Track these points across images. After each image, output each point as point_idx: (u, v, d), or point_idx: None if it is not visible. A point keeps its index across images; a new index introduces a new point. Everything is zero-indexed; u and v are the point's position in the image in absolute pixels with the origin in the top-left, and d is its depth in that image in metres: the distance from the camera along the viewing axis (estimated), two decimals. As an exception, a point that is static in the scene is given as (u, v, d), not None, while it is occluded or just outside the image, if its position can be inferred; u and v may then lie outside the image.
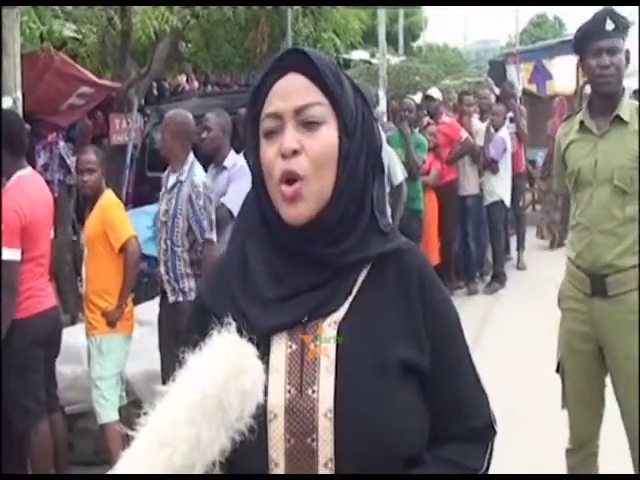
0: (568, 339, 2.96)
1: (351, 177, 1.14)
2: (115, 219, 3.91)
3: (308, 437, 1.07)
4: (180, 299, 3.94)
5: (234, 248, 1.21)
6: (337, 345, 1.11)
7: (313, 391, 1.09)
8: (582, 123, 2.91)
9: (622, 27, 2.81)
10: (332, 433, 1.06)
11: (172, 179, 4.03)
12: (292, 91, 1.13)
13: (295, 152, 1.10)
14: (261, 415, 1.05)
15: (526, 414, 4.31)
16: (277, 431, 1.08)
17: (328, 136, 1.13)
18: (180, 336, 3.81)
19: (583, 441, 2.98)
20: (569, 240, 3.02)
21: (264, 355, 1.09)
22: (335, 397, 1.07)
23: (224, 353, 1.00)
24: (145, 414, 0.99)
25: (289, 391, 1.09)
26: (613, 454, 3.05)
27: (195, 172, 3.98)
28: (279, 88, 1.14)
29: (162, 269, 3.99)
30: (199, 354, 1.01)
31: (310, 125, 1.12)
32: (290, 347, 1.12)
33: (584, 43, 2.86)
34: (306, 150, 1.11)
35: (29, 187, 3.60)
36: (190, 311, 1.30)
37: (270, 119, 1.13)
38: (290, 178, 1.11)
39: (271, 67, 1.16)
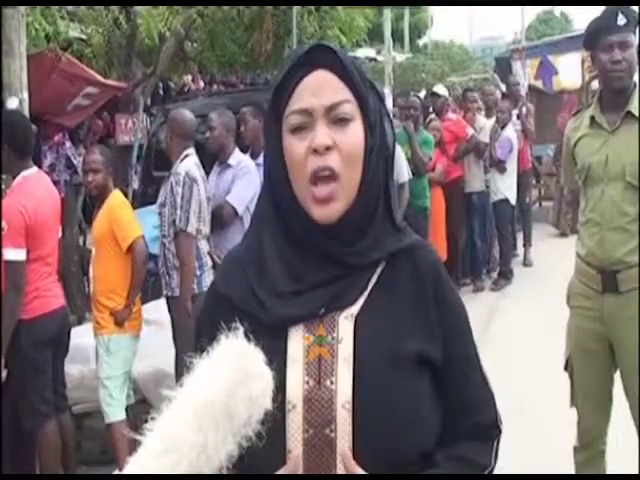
0: (577, 337, 2.94)
1: (375, 174, 1.16)
2: (122, 219, 3.92)
3: (326, 428, 1.08)
4: (169, 294, 4.02)
5: (250, 239, 1.22)
6: (354, 337, 1.12)
7: (331, 382, 1.10)
8: (593, 118, 2.88)
9: (634, 22, 2.78)
10: (350, 424, 1.08)
11: (169, 173, 4.12)
12: (324, 88, 1.13)
13: (328, 148, 1.11)
14: (280, 405, 1.06)
15: (533, 410, 4.30)
16: (295, 421, 1.09)
17: (357, 133, 1.14)
18: (175, 330, 3.93)
19: (591, 439, 2.97)
20: (579, 237, 2.98)
21: (282, 346, 1.11)
22: (353, 388, 1.09)
23: (232, 358, 1.01)
24: (152, 419, 0.99)
25: (307, 382, 1.10)
26: (621, 452, 3.05)
27: (182, 163, 4.03)
28: (310, 84, 1.14)
29: (159, 263, 4.07)
30: (207, 359, 1.02)
31: (341, 122, 1.13)
32: (307, 339, 1.13)
33: (595, 38, 2.83)
34: (338, 146, 1.12)
35: (35, 187, 3.62)
36: (205, 299, 1.31)
37: (299, 115, 1.13)
38: (324, 176, 1.11)
39: (297, 63, 1.15)
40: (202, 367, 1.01)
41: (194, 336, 1.22)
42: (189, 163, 4.06)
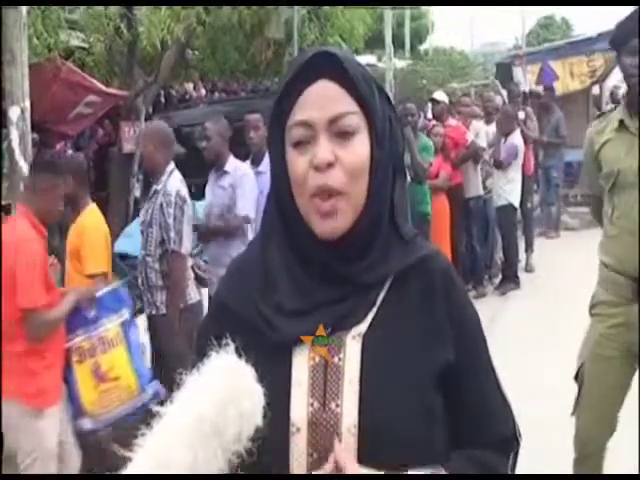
0: (597, 343, 2.84)
1: (381, 187, 1.10)
2: (91, 245, 3.62)
3: (331, 452, 1.03)
4: (153, 312, 3.96)
5: (256, 249, 1.17)
6: (361, 358, 1.08)
7: (337, 405, 1.06)
8: (622, 122, 2.77)
9: None
10: (355, 449, 1.04)
11: (152, 189, 4.05)
12: (326, 100, 1.07)
13: (330, 164, 1.05)
14: (284, 428, 1.04)
15: (536, 417, 4.28)
16: (299, 445, 1.05)
17: (361, 146, 1.08)
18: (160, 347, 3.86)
19: (591, 452, 2.89)
20: (604, 245, 2.87)
21: (286, 367, 1.07)
22: (360, 412, 1.05)
23: (222, 375, 0.99)
24: (142, 435, 0.98)
25: (312, 404, 1.06)
26: (621, 452, 3.04)
27: (170, 181, 3.96)
28: (311, 96, 1.08)
29: (139, 280, 4.01)
30: (197, 375, 1.00)
31: (344, 135, 1.07)
32: (313, 359, 1.08)
33: (622, 39, 2.75)
34: (341, 162, 1.06)
35: None
36: (208, 310, 1.27)
37: (300, 128, 1.08)
38: (325, 192, 1.06)
39: (299, 71, 1.09)
40: (192, 383, 1.00)
41: (195, 343, 1.19)
42: (177, 181, 3.99)
